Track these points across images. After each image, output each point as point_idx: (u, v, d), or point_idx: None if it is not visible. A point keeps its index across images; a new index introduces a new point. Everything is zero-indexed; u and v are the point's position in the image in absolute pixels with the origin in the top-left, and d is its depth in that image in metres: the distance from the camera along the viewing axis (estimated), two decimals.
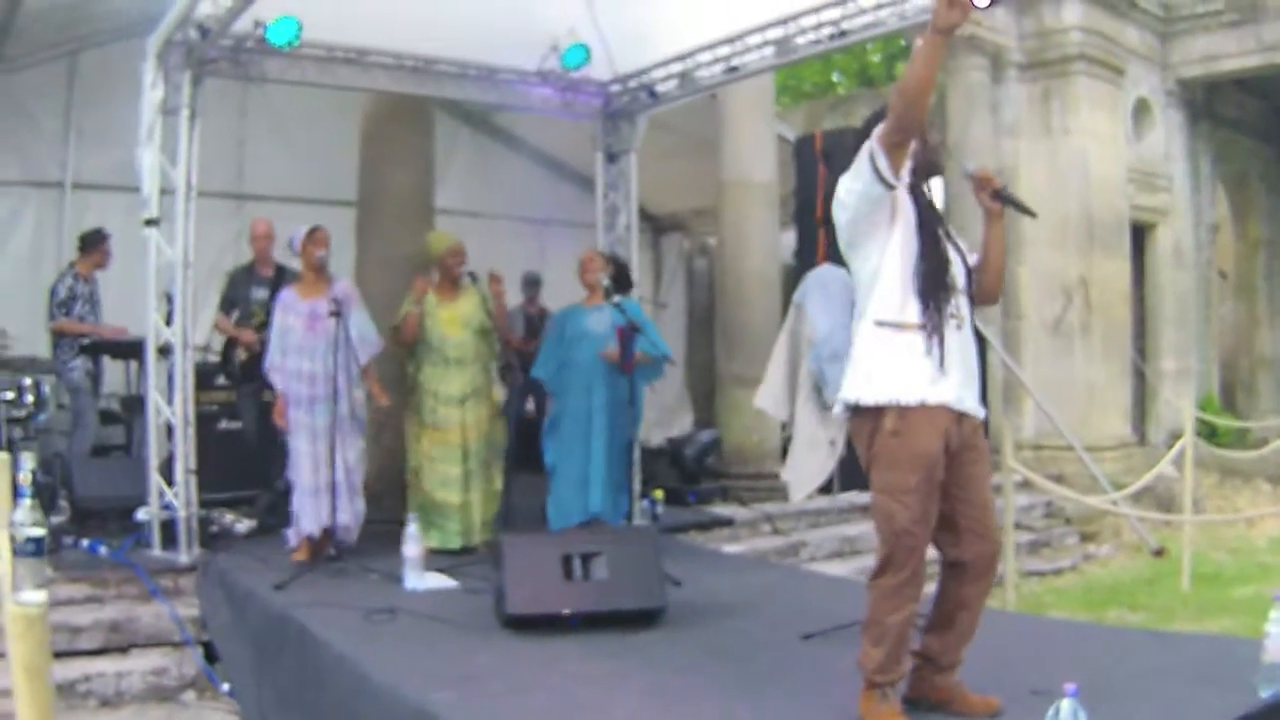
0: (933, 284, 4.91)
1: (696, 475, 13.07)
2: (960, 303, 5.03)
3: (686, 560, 8.87)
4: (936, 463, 4.88)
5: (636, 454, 10.55)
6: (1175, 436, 17.84)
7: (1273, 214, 22.82)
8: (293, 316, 9.05)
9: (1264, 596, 11.31)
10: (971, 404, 5.02)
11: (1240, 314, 22.69)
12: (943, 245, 5.02)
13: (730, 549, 11.10)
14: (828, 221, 13.35)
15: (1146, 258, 19.48)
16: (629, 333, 9.02)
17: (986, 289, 5.27)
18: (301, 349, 8.98)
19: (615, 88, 11.38)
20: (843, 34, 9.39)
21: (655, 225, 18.64)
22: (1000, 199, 5.13)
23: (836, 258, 12.60)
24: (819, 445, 7.97)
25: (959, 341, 4.98)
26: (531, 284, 14.59)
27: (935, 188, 5.24)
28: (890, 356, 4.91)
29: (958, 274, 5.06)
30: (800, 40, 9.68)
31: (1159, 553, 14.01)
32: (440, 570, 8.48)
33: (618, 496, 9.67)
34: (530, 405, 13.77)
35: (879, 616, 4.95)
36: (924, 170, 5.14)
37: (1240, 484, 17.46)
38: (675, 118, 12.66)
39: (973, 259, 5.24)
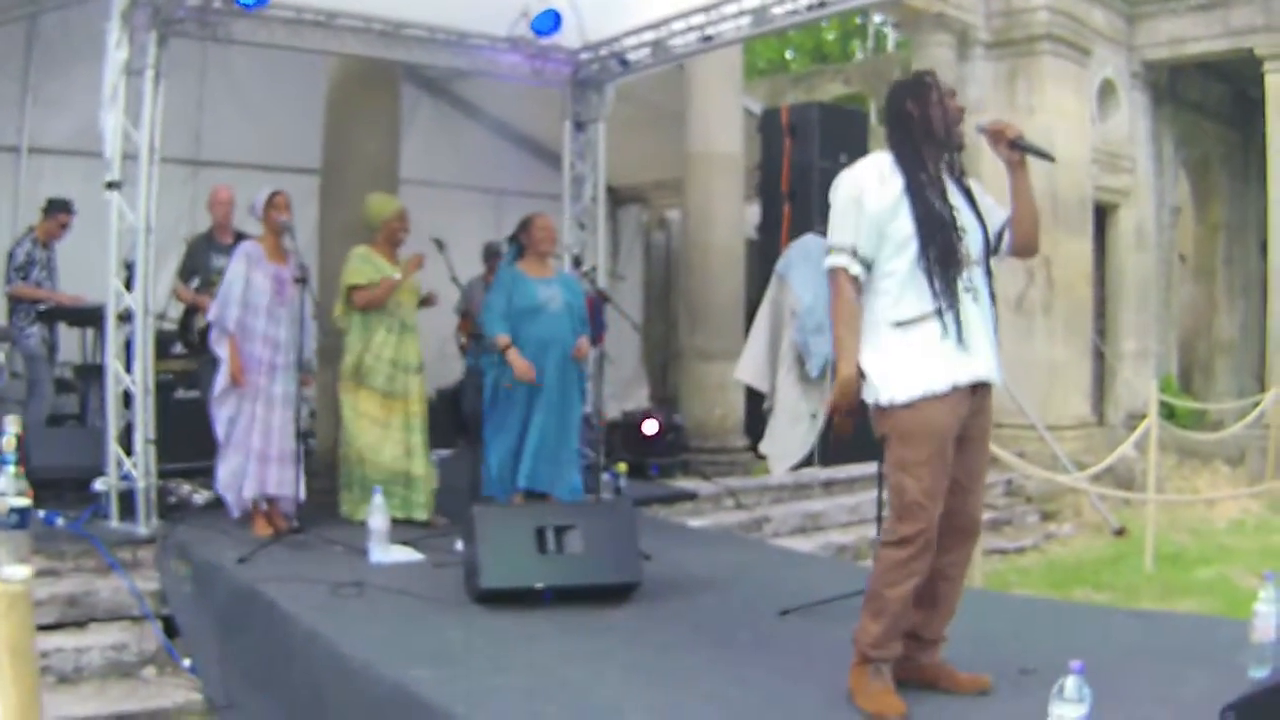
0: (941, 269, 4.89)
1: (659, 449, 12.90)
2: (974, 274, 5.00)
3: (652, 534, 8.70)
4: (949, 436, 4.90)
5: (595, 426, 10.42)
6: (1134, 417, 17.91)
7: (1233, 198, 22.84)
8: (260, 274, 8.81)
9: (1227, 578, 11.62)
10: (986, 371, 4.99)
11: (1199, 297, 22.74)
12: (947, 229, 4.94)
13: (694, 523, 11.03)
14: (793, 195, 13.45)
15: (1108, 239, 19.50)
16: (599, 302, 8.85)
17: (1023, 241, 5.21)
18: (270, 313, 8.78)
19: (585, 55, 11.19)
20: (822, 4, 9.20)
21: (614, 197, 18.43)
22: (1017, 148, 5.04)
23: (800, 232, 12.58)
24: (801, 418, 7.90)
25: (977, 314, 4.97)
26: (492, 254, 14.40)
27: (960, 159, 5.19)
28: (912, 352, 4.90)
29: (973, 245, 5.02)
30: (778, 10, 9.49)
31: (1120, 532, 14.03)
32: (405, 543, 8.35)
33: (567, 471, 9.38)
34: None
35: (881, 589, 4.94)
36: (939, 147, 5.07)
37: (1199, 465, 17.54)
38: (638, 88, 12.53)
39: (1003, 214, 5.19)
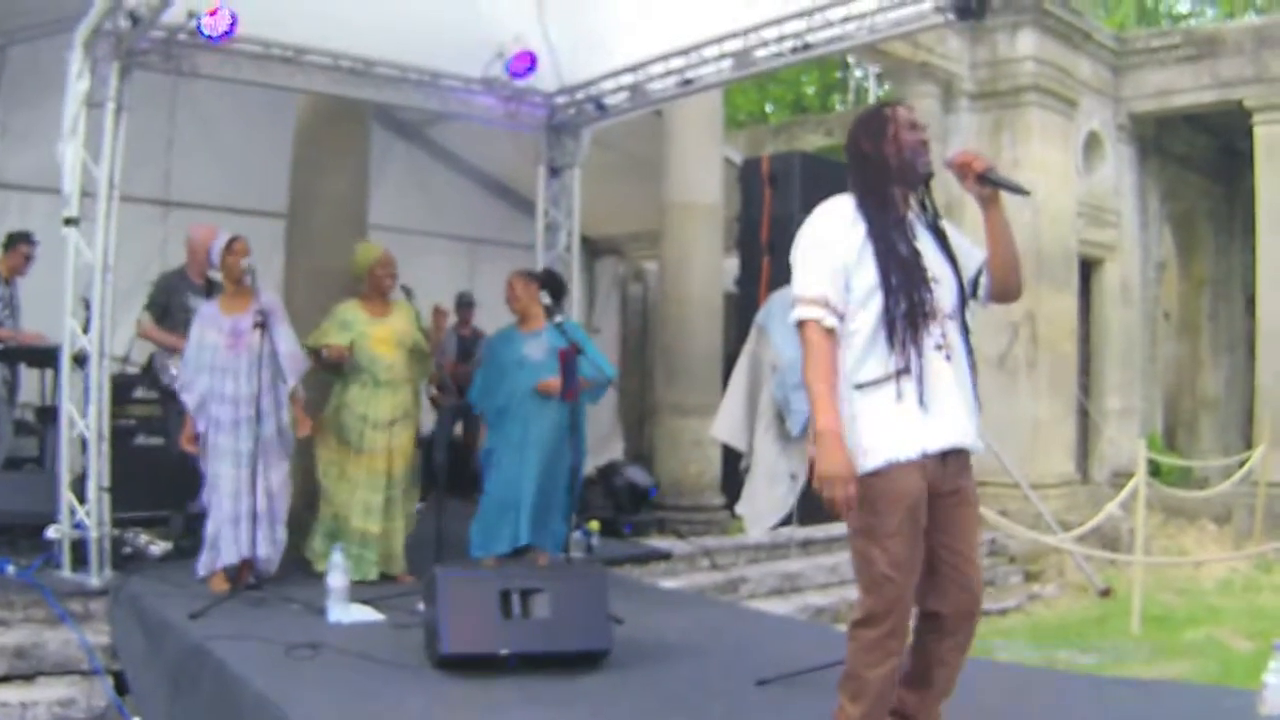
0: (908, 326, 4.49)
1: (633, 506, 12.58)
2: (948, 330, 4.60)
3: (624, 595, 8.31)
4: (920, 503, 4.47)
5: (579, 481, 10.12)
6: (1118, 475, 17.73)
7: (1218, 253, 22.75)
8: (213, 332, 8.49)
9: (1216, 640, 11.34)
10: (961, 437, 4.58)
11: (1183, 353, 22.61)
12: (915, 279, 4.55)
13: (668, 584, 10.67)
14: (773, 247, 13.18)
15: (1093, 293, 19.29)
16: (570, 356, 8.55)
17: (1001, 285, 4.80)
18: (225, 370, 8.42)
19: (561, 99, 10.93)
20: (806, 47, 8.98)
21: (590, 248, 18.23)
22: (987, 181, 4.63)
23: (780, 285, 12.34)
24: (780, 478, 7.59)
25: (949, 374, 4.57)
26: (465, 305, 14.19)
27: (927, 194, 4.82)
28: (876, 417, 4.50)
29: (945, 297, 4.62)
30: (760, 53, 9.28)
31: (1105, 593, 13.82)
32: (366, 602, 8.00)
33: (556, 525, 9.15)
34: (459, 429, 13.37)
35: (858, 670, 4.53)
36: (901, 185, 4.71)
37: (1185, 524, 17.33)
38: (615, 136, 12.25)
39: (980, 257, 4.80)
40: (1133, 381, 19.93)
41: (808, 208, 12.82)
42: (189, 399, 8.43)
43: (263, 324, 8.18)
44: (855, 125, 4.86)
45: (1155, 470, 17.09)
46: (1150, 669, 10.44)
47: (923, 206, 4.79)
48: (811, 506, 10.21)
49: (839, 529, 12.29)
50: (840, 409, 4.53)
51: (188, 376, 8.46)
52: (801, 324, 4.54)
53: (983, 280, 4.80)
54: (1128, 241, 19.72)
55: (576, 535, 10.28)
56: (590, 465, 13.48)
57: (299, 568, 8.78)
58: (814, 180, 13.79)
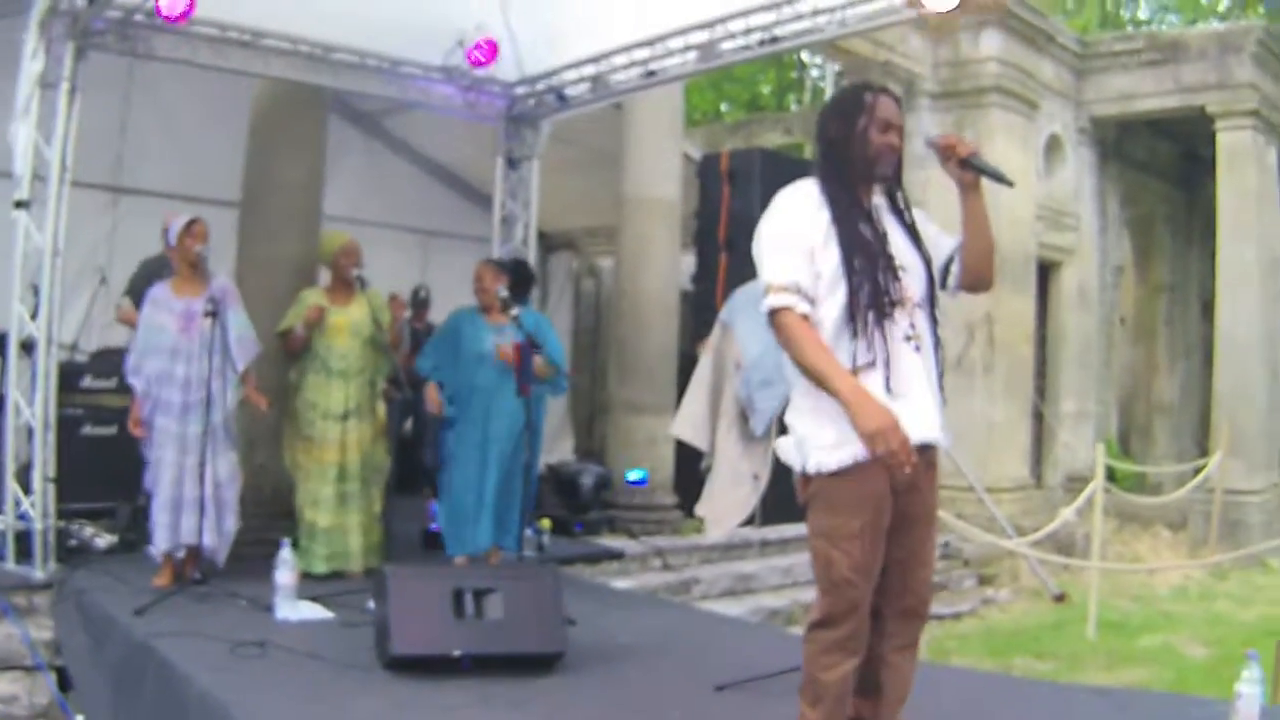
0: (875, 315, 4.33)
1: (585, 505, 12.44)
2: (917, 319, 4.46)
3: (577, 596, 8.16)
4: (881, 504, 4.34)
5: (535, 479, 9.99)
6: (1072, 479, 17.72)
7: (1175, 259, 22.76)
8: (165, 314, 8.27)
9: (1172, 646, 11.28)
10: (925, 432, 4.42)
11: (1139, 358, 22.61)
12: (881, 266, 4.40)
13: (620, 584, 10.56)
14: (731, 244, 13.04)
15: (1050, 297, 19.22)
16: (527, 350, 8.38)
17: (973, 273, 4.65)
18: (175, 351, 8.21)
19: (521, 89, 10.75)
20: (774, 40, 8.80)
21: (544, 243, 18.05)
22: (969, 167, 4.48)
23: (738, 284, 12.19)
24: (742, 479, 7.44)
25: (918, 365, 4.42)
26: (421, 300, 14.05)
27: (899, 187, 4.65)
28: (840, 413, 4.25)
29: (913, 285, 4.47)
30: (726, 45, 9.09)
31: (1060, 598, 13.76)
32: (315, 599, 7.83)
33: (514, 524, 8.93)
34: (409, 425, 13.21)
35: (816, 673, 4.41)
36: (868, 175, 4.55)
37: (1139, 530, 17.34)
38: (572, 130, 12.06)
39: (951, 244, 4.66)
40: (1088, 385, 19.89)
41: (768, 205, 12.72)
42: (137, 382, 8.22)
43: (214, 312, 8.01)
44: (830, 103, 4.79)
45: (1110, 475, 17.10)
46: (1107, 676, 10.45)
47: (890, 196, 4.64)
48: (774, 507, 10.14)
49: (794, 530, 12.29)
50: (793, 407, 4.45)
51: (136, 361, 8.25)
52: (775, 312, 4.35)
53: (953, 269, 4.66)
54: (1086, 245, 19.67)
55: (528, 533, 10.14)
56: (540, 463, 13.38)
57: (246, 562, 8.50)
58: (774, 177, 13.54)
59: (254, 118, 10.54)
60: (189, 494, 8.13)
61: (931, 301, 4.56)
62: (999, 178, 4.55)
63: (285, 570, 7.60)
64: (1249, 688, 5.29)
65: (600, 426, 16.66)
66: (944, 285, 4.65)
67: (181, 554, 8.26)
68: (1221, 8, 31.84)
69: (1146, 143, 21.38)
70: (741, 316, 7.43)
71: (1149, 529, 17.46)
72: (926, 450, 4.45)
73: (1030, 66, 17.58)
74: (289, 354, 8.98)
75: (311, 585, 8.16)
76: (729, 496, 7.51)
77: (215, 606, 7.64)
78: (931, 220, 4.73)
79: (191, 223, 8.44)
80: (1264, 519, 17.55)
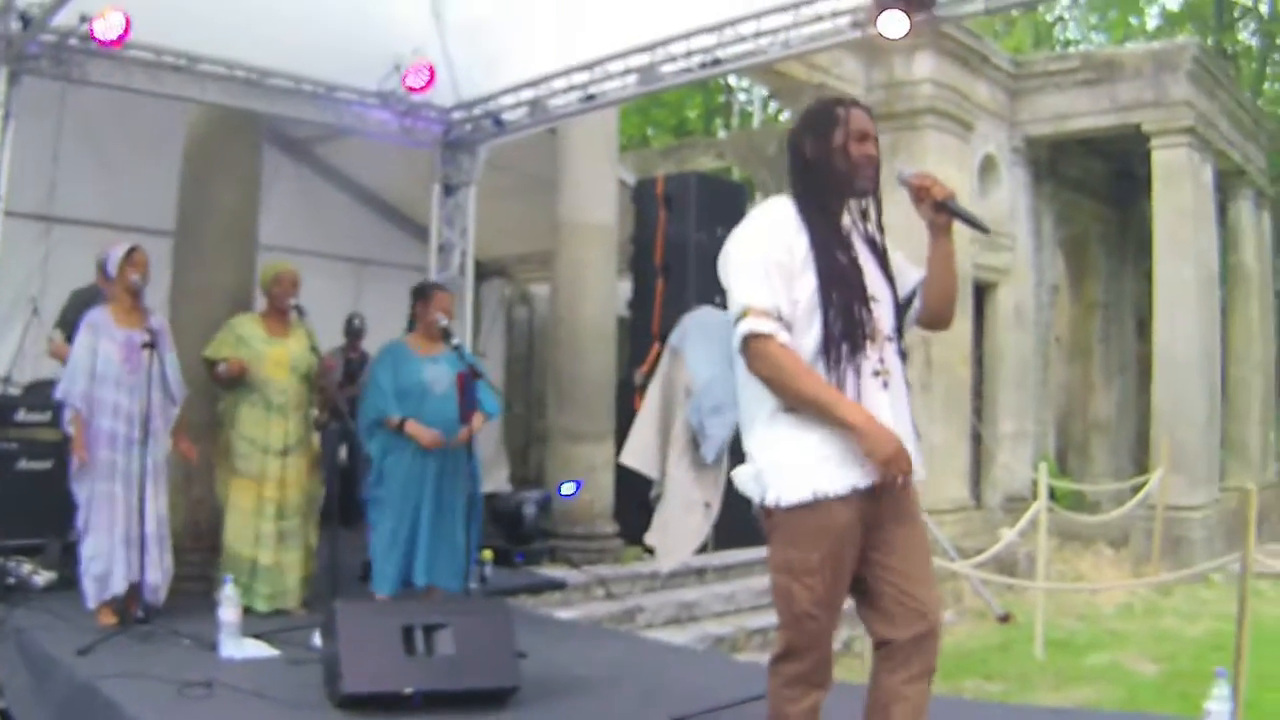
0: (847, 347, 4.17)
1: (528, 535, 12.26)
2: (886, 354, 4.29)
3: (523, 628, 7.88)
4: (845, 537, 4.15)
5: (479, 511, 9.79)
6: (1011, 500, 17.72)
7: (1110, 277, 22.88)
8: (107, 341, 8.02)
9: (1121, 664, 11.25)
10: None
11: (1074, 377, 22.69)
12: (856, 296, 4.24)
13: (563, 614, 10.43)
14: (667, 269, 12.92)
15: (986, 317, 19.22)
16: (470, 379, 8.20)
17: (933, 312, 4.53)
18: (119, 382, 7.98)
19: (458, 114, 10.53)
20: (716, 62, 8.64)
21: (477, 270, 17.84)
22: (944, 210, 4.38)
23: (675, 309, 12.07)
24: (694, 508, 7.30)
25: (887, 400, 4.24)
26: (355, 329, 13.86)
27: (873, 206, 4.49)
28: (805, 446, 4.14)
29: (884, 318, 4.31)
30: (667, 68, 8.93)
31: (1005, 619, 13.67)
32: (258, 636, 7.63)
33: (456, 561, 8.71)
34: (344, 454, 13.00)
35: (780, 706, 4.25)
36: (843, 195, 4.42)
37: (1080, 548, 17.35)
38: (505, 156, 11.78)
39: (915, 276, 4.52)
40: (1026, 405, 19.89)
41: (704, 229, 12.61)
42: (79, 405, 7.90)
43: (152, 344, 7.81)
44: (801, 122, 4.54)
45: (1050, 494, 17.11)
46: (1057, 695, 10.44)
47: (864, 216, 4.48)
48: (725, 532, 10.03)
49: (735, 556, 12.26)
50: (755, 437, 4.30)
51: (68, 386, 7.94)
52: (754, 339, 4.16)
53: (915, 303, 4.52)
54: (1022, 265, 19.70)
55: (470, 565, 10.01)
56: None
57: (183, 599, 8.37)
58: (710, 201, 13.60)
59: (188, 145, 10.33)
60: (133, 531, 7.90)
61: (899, 333, 4.41)
62: (975, 224, 4.46)
63: (229, 607, 7.40)
64: (1218, 705, 5.23)
65: (535, 455, 16.52)
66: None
67: (122, 592, 8.01)
68: (1150, 28, 32.11)
69: (1080, 162, 21.50)
70: (692, 341, 7.32)
71: (1090, 547, 17.48)
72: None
73: (965, 88, 17.64)
74: (215, 381, 8.75)
75: (253, 622, 7.95)
76: (681, 525, 7.39)
77: (159, 646, 7.44)
78: (897, 247, 4.57)
79: (132, 251, 8.23)
80: (1206, 534, 17.60)
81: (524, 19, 9.03)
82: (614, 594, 11.46)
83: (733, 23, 8.38)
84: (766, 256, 4.22)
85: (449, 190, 10.87)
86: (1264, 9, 30.14)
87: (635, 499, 12.44)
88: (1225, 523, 18.41)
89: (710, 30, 8.52)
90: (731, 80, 30.94)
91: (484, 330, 18.46)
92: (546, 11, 8.92)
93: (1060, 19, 33.05)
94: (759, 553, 11.58)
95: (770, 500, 4.21)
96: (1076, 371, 22.72)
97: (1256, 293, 22.22)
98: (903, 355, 4.40)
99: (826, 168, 4.35)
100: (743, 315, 4.18)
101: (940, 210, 4.37)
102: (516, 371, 19.11)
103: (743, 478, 4.35)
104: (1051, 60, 19.93)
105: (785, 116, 30.99)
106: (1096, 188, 22.55)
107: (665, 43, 8.80)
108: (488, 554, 10.48)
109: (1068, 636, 12.87)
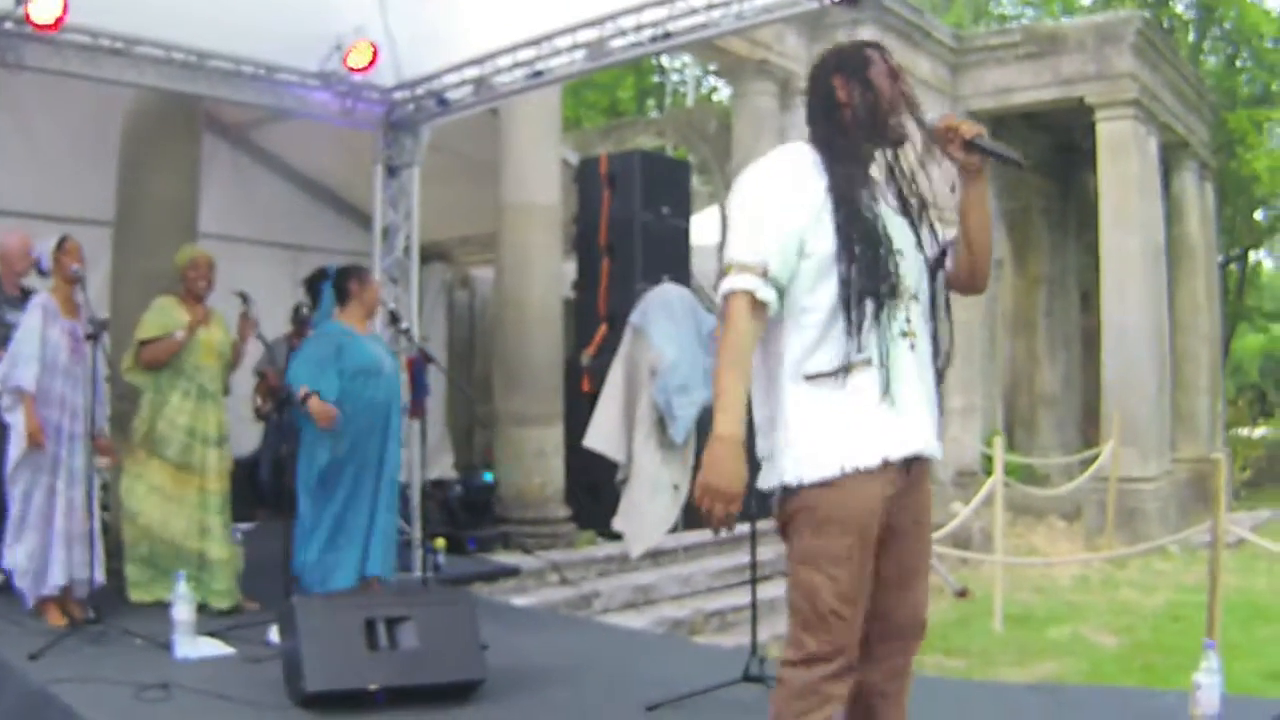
0: (873, 304, 3.80)
1: (477, 521, 12.07)
2: (914, 314, 3.93)
3: (481, 617, 7.76)
4: (873, 521, 3.79)
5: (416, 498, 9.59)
6: (962, 474, 17.65)
7: (1053, 251, 22.91)
8: (56, 330, 7.79)
9: (1082, 636, 11.23)
10: (925, 442, 3.93)
11: (1019, 351, 22.70)
12: (881, 250, 3.87)
13: (519, 601, 10.26)
14: (612, 249, 12.76)
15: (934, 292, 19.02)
16: (420, 364, 7.98)
17: (968, 272, 4.15)
18: (68, 374, 7.77)
19: (400, 94, 10.26)
20: (667, 35, 8.44)
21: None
22: (974, 149, 3.96)
23: (621, 289, 11.90)
24: (662, 490, 7.14)
25: (913, 366, 3.90)
26: (301, 317, 13.60)
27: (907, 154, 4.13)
28: (830, 415, 3.80)
29: (910, 274, 3.95)
30: (617, 43, 8.71)
31: (962, 594, 13.61)
32: (212, 634, 7.41)
33: (393, 550, 8.49)
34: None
35: (790, 715, 3.81)
36: (873, 140, 4.06)
37: (1033, 521, 17.36)
38: (444, 137, 11.45)
39: (948, 234, 4.19)
40: (974, 380, 19.80)
41: (649, 208, 12.43)
42: (31, 390, 7.62)
43: (95, 335, 7.55)
44: (827, 62, 4.15)
45: (989, 467, 17.13)
46: (1020, 670, 10.41)
47: (890, 170, 4.16)
48: (694, 511, 9.92)
49: (691, 538, 12.12)
50: (770, 410, 3.95)
51: (26, 369, 7.63)
52: (729, 296, 3.80)
53: (946, 264, 4.17)
54: None
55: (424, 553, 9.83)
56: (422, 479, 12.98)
57: (119, 596, 8.18)
58: (654, 180, 13.48)
59: (126, 131, 10.12)
60: (76, 528, 7.70)
61: (931, 293, 4.09)
62: (1009, 159, 4.11)
63: (183, 605, 7.17)
64: (1208, 678, 5.13)
65: (479, 439, 16.31)
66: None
67: (65, 588, 7.79)
68: (1086, 2, 32.14)
69: (1022, 136, 21.41)
70: (654, 320, 7.15)
71: (1043, 520, 17.54)
72: (921, 461, 3.98)
73: (907, 62, 17.33)
74: (150, 364, 8.38)
75: (204, 620, 7.70)
76: (650, 509, 7.24)
77: (112, 648, 7.21)
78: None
79: (63, 240, 7.99)
80: (1159, 505, 17.68)
81: None
82: (569, 579, 11.28)
83: None
84: (767, 203, 3.89)
85: (392, 172, 10.61)
86: None
87: (586, 482, 12.37)
88: (1177, 494, 18.51)
89: (661, 3, 8.32)
90: (665, 60, 30.80)
91: (425, 315, 18.21)
92: None
93: None
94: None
95: (790, 479, 3.83)
96: (1022, 346, 22.73)
97: (1201, 264, 22.34)
98: (934, 316, 4.08)
99: (862, 108, 4.01)
100: (725, 270, 3.85)
101: (971, 150, 3.96)
102: (459, 355, 18.85)
103: (758, 456, 3.99)
104: (993, 35, 19.95)
105: (720, 96, 31.04)
106: (1039, 162, 22.47)
107: (615, 16, 8.59)
108: (440, 542, 10.25)
109: (1026, 610, 12.87)
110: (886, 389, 3.79)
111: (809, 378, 3.83)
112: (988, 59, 18.82)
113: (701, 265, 15.02)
